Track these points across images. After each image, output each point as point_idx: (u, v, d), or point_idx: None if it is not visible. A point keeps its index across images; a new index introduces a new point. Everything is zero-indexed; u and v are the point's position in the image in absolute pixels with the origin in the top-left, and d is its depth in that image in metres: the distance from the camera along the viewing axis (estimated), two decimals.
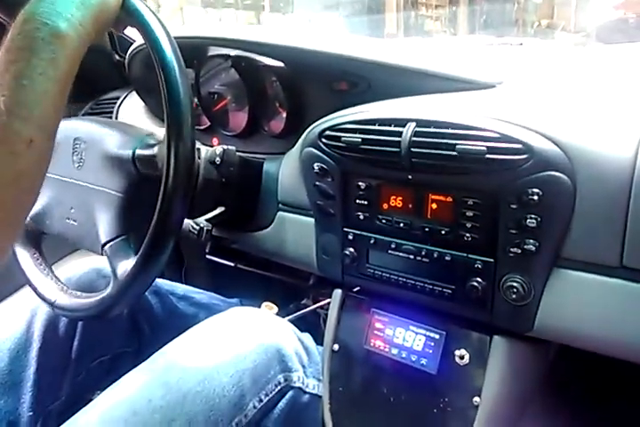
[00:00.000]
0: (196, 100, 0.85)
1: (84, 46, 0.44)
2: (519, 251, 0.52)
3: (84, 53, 0.44)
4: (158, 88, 0.53)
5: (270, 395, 0.60)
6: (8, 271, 0.66)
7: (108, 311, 0.59)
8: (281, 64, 0.73)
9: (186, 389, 0.55)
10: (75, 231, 0.66)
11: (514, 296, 0.53)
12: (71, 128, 0.67)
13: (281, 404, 0.61)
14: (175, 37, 0.66)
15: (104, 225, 0.62)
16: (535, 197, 0.49)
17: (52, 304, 0.63)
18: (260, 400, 0.59)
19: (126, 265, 0.57)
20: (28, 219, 0.66)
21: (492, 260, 0.54)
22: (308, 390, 0.65)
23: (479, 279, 0.55)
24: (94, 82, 1.01)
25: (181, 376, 0.56)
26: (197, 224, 0.65)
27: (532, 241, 0.51)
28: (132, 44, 0.87)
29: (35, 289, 0.65)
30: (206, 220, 0.67)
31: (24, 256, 0.68)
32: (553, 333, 0.54)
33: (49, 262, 0.69)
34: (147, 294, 0.78)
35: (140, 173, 0.62)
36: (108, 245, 0.61)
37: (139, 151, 0.62)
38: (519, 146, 0.50)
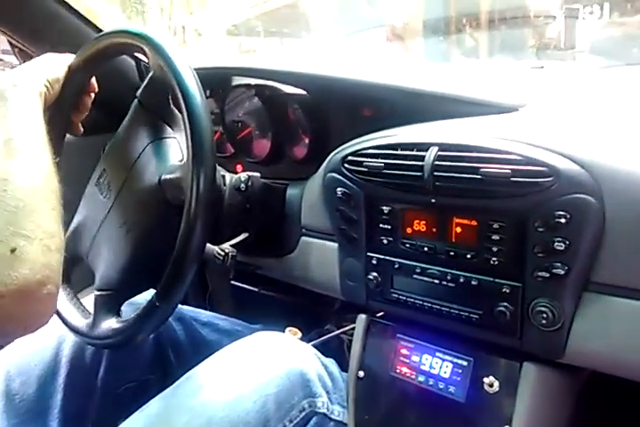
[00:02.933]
0: (220, 128, 0.87)
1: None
2: (547, 275, 0.51)
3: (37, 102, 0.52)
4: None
5: (295, 421, 0.59)
6: None
7: (128, 341, 0.59)
8: (303, 92, 0.75)
9: (210, 414, 0.55)
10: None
11: (543, 322, 0.52)
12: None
13: None
14: (200, 68, 0.69)
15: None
16: (563, 220, 0.49)
17: (75, 332, 0.63)
18: (285, 426, 0.58)
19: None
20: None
21: (519, 284, 0.53)
22: (333, 416, 0.63)
23: (507, 304, 0.54)
24: (121, 111, 1.05)
25: (206, 401, 0.56)
26: (222, 250, 0.65)
27: (560, 265, 0.50)
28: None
29: (59, 315, 0.66)
30: (231, 245, 0.68)
31: None
32: (585, 359, 0.52)
33: (77, 289, 0.70)
34: (171, 320, 0.79)
35: (166, 200, 0.63)
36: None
37: (164, 176, 0.63)
38: (544, 168, 0.49)
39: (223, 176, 0.69)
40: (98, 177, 0.67)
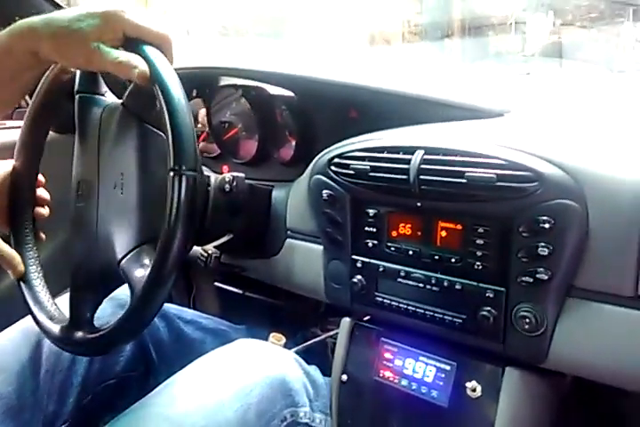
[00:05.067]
0: (207, 128, 0.86)
1: None
2: (531, 280, 0.51)
3: None
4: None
5: None
6: (16, 295, 0.65)
7: (104, 350, 0.57)
8: (290, 93, 0.74)
9: (189, 423, 0.54)
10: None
11: (526, 326, 0.52)
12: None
13: None
14: (187, 68, 0.68)
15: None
16: (546, 226, 0.49)
17: (50, 338, 0.61)
18: None
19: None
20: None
21: (503, 289, 0.53)
22: (314, 424, 0.63)
23: (491, 309, 0.54)
24: None
25: (185, 410, 0.55)
26: (206, 251, 0.65)
27: (544, 270, 0.50)
28: None
29: (35, 320, 0.64)
30: (215, 247, 0.67)
31: (27, 285, 0.67)
32: (567, 364, 0.52)
33: (54, 291, 0.69)
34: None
35: None
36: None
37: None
38: (529, 173, 0.49)
39: (208, 177, 0.68)
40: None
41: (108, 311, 0.72)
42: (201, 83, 0.83)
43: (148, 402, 0.58)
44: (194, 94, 0.85)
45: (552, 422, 0.60)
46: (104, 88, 0.62)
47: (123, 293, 0.76)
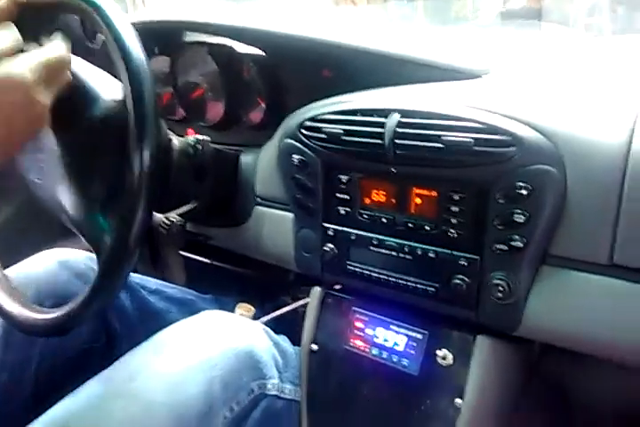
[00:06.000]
0: (171, 89, 0.81)
1: None
2: (506, 248, 0.50)
3: None
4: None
5: (243, 404, 0.57)
6: None
7: (62, 332, 0.54)
8: (260, 51, 0.70)
9: (149, 399, 0.52)
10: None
11: (500, 294, 0.51)
12: None
13: (255, 413, 0.58)
14: (148, 22, 0.62)
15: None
16: (524, 192, 0.47)
17: (4, 317, 0.58)
18: (232, 410, 0.55)
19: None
20: None
21: (477, 257, 0.52)
22: (284, 396, 0.62)
23: (464, 277, 0.53)
24: None
25: (144, 385, 0.53)
26: (168, 219, 0.61)
27: (519, 237, 0.49)
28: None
29: None
30: (178, 214, 0.64)
31: None
32: (539, 332, 0.52)
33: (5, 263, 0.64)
34: None
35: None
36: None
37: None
38: (508, 138, 0.47)
39: (170, 140, 0.64)
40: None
41: (64, 280, 0.69)
42: (163, 39, 0.78)
43: (106, 377, 0.55)
44: (156, 51, 0.79)
45: (519, 389, 0.61)
46: None
47: (80, 261, 0.73)
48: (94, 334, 0.72)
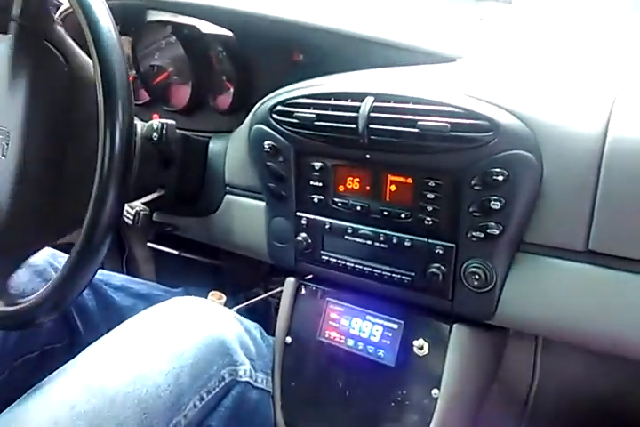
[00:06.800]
0: (134, 72, 0.77)
1: None
2: (482, 235, 0.49)
3: None
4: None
5: (213, 392, 0.55)
6: None
7: (21, 326, 0.51)
8: (228, 32, 0.67)
9: (113, 391, 0.49)
10: None
11: (475, 283, 0.51)
12: None
13: (226, 401, 0.56)
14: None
15: None
16: (500, 178, 0.46)
17: None
18: (202, 398, 0.54)
19: None
20: None
21: (453, 244, 0.51)
22: (256, 384, 0.60)
23: (440, 265, 0.52)
24: None
25: (108, 377, 0.50)
26: (133, 208, 0.58)
27: (495, 224, 0.48)
28: (59, 6, 0.78)
29: None
30: (143, 203, 0.61)
31: None
32: (515, 320, 0.51)
33: None
34: None
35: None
36: None
37: None
38: (484, 122, 0.46)
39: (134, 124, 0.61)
40: None
41: (24, 279, 0.65)
42: (125, 17, 0.73)
43: (67, 370, 0.53)
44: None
45: (491, 377, 0.61)
46: None
47: (40, 259, 0.69)
48: (55, 335, 0.68)
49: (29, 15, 0.50)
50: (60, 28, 0.52)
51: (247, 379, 0.59)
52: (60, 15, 0.77)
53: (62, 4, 0.80)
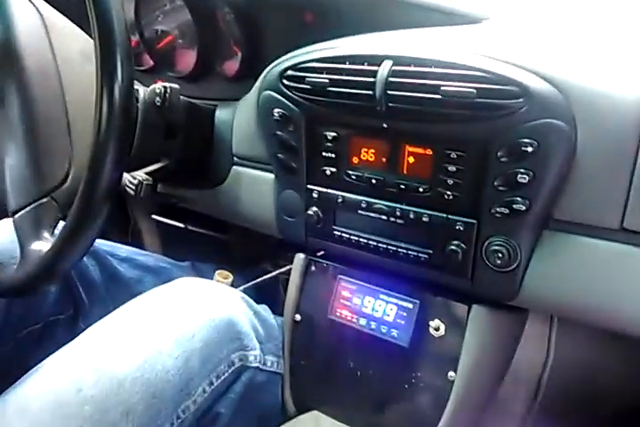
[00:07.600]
0: (137, 35, 0.74)
1: None
2: (507, 211, 0.46)
3: None
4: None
5: (223, 377, 0.54)
6: None
7: (18, 295, 0.49)
8: None
9: (121, 375, 0.48)
10: None
11: (498, 262, 0.48)
12: None
13: (236, 386, 0.55)
14: None
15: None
16: (529, 149, 0.43)
17: None
18: (211, 383, 0.52)
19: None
20: None
21: (474, 221, 0.48)
22: (265, 368, 0.59)
23: (460, 243, 0.49)
24: None
25: (117, 360, 0.49)
26: (135, 178, 0.55)
27: (521, 199, 0.45)
28: None
29: None
30: (146, 173, 0.58)
31: None
32: (539, 302, 0.49)
33: None
34: None
35: None
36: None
37: None
38: (514, 88, 0.43)
39: (136, 90, 0.57)
40: None
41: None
42: None
43: (72, 350, 0.51)
44: None
45: (509, 361, 0.59)
46: None
47: None
48: (59, 305, 0.67)
49: None
50: None
51: (257, 364, 0.58)
52: None
53: None
